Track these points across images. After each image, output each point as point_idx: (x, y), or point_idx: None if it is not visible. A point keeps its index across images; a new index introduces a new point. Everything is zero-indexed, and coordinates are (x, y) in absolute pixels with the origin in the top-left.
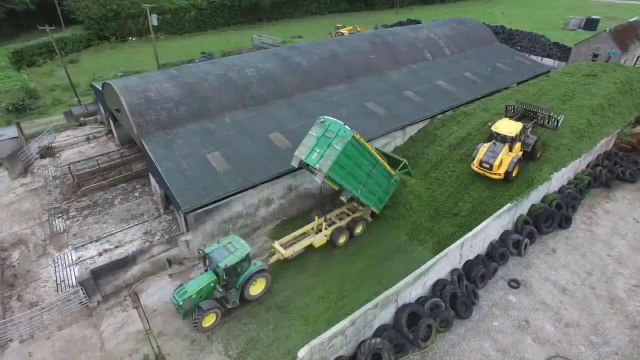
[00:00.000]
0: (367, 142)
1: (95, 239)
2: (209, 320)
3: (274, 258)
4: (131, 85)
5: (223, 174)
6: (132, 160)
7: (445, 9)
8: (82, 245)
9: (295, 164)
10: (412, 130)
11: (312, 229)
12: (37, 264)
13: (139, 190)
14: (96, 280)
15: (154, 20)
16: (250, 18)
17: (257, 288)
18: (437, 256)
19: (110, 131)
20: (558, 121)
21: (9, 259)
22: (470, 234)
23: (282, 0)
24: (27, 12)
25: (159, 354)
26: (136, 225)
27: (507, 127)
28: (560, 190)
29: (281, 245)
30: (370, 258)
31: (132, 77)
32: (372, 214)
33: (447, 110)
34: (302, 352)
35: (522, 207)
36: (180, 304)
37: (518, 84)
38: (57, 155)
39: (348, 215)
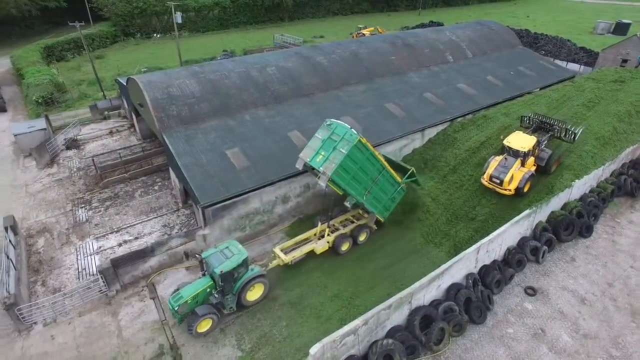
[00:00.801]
0: (385, 143)
1: (115, 229)
2: (204, 326)
3: (274, 263)
4: (154, 80)
5: (241, 170)
6: (153, 154)
7: (469, 11)
8: (103, 236)
9: (299, 166)
10: (431, 133)
11: (315, 234)
12: (61, 251)
13: (159, 183)
14: (115, 270)
15: (178, 17)
16: (273, 17)
17: (254, 294)
18: (453, 259)
19: (133, 125)
20: (575, 134)
21: (35, 245)
22: (486, 238)
23: (304, 0)
24: (59, 9)
25: (174, 345)
26: (155, 218)
27: (520, 141)
28: (582, 198)
29: (282, 251)
30: (385, 259)
31: (155, 73)
32: (377, 222)
33: (467, 114)
34: (314, 349)
35: (542, 213)
36: (176, 308)
37: (541, 88)
38: (82, 147)
39: (352, 222)
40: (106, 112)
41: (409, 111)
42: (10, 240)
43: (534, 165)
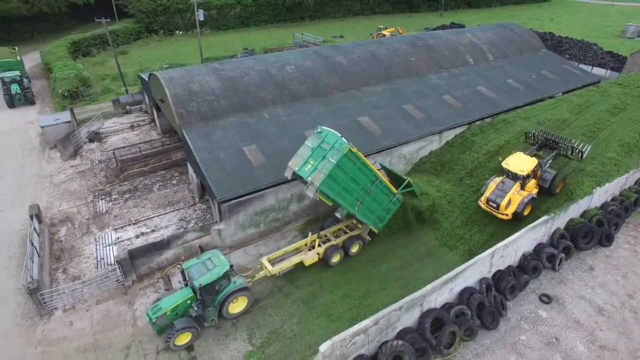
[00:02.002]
0: (402, 144)
1: (133, 221)
2: (183, 339)
3: (261, 274)
4: (176, 76)
5: (258, 167)
6: (172, 149)
7: (491, 13)
8: (122, 227)
9: (288, 175)
10: (449, 135)
11: (306, 244)
12: (81, 241)
13: (177, 178)
14: (132, 261)
15: (200, 15)
16: (294, 16)
17: (237, 306)
18: (467, 263)
19: (154, 120)
20: (583, 153)
21: (57, 234)
22: (502, 243)
23: (325, 0)
24: (87, 5)
25: None
26: (172, 211)
27: (519, 163)
28: (603, 207)
29: (270, 262)
30: (398, 260)
31: (176, 69)
32: (371, 233)
33: (486, 117)
34: (323, 347)
35: (560, 220)
36: (154, 320)
37: (564, 93)
38: (104, 140)
39: (346, 232)
40: (128, 107)
41: (427, 113)
42: (34, 228)
43: (536, 187)
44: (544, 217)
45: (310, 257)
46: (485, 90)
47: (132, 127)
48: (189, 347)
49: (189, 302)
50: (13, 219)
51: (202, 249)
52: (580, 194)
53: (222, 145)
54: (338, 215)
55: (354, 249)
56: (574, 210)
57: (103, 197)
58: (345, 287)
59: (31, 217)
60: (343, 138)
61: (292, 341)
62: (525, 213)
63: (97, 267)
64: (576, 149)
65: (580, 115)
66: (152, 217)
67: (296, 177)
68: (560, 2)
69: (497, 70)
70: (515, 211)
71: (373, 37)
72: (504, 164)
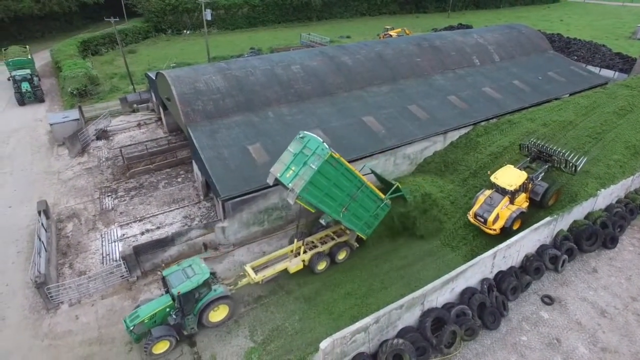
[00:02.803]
0: (406, 144)
1: (139, 218)
2: (160, 348)
3: (244, 282)
4: (182, 75)
5: (262, 165)
6: (178, 147)
7: (500, 14)
8: (127, 224)
9: (270, 181)
10: (453, 136)
11: (292, 251)
12: (87, 236)
13: (182, 176)
14: (137, 257)
15: (208, 15)
16: (301, 16)
17: (218, 315)
18: (468, 263)
19: (160, 118)
20: (577, 167)
21: (64, 230)
22: (504, 244)
23: (332, 0)
24: (96, 4)
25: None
26: (177, 209)
27: (508, 177)
28: (608, 209)
29: (253, 269)
30: (400, 260)
31: (183, 69)
32: (359, 240)
33: (491, 118)
34: (324, 344)
35: (563, 222)
36: (131, 328)
37: (571, 94)
38: (111, 138)
39: (333, 239)
40: (135, 105)
41: (432, 113)
42: (42, 224)
43: (527, 200)
44: (547, 219)
45: (294, 265)
46: (490, 91)
47: (139, 125)
48: (192, 344)
49: (167, 309)
50: (22, 215)
51: (206, 246)
52: (585, 195)
53: (226, 144)
54: (322, 222)
55: (341, 256)
56: (578, 212)
57: (109, 194)
58: (347, 285)
59: (39, 213)
60: (325, 144)
61: (293, 338)
62: (515, 227)
63: (103, 263)
64: (570, 162)
65: (586, 116)
66: (157, 215)
67: (279, 183)
68: (570, 4)
69: (503, 71)
70: (504, 226)
71: (380, 38)
72: (492, 178)
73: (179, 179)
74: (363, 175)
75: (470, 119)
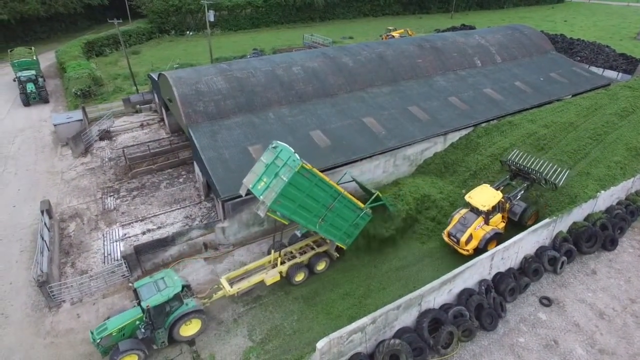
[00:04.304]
0: (406, 145)
1: (140, 218)
2: None
3: (219, 294)
4: (184, 76)
5: None
6: (179, 148)
7: (503, 15)
8: (129, 224)
9: (242, 192)
10: (453, 137)
11: (270, 262)
12: (89, 236)
13: (184, 176)
14: (138, 257)
15: (211, 16)
16: (304, 17)
17: (190, 329)
18: (465, 265)
19: (162, 119)
20: (556, 185)
21: (67, 229)
22: (502, 245)
23: (335, 1)
24: (101, 5)
25: None
26: (178, 209)
27: (482, 198)
28: (608, 210)
29: (229, 280)
30: (399, 260)
31: (185, 70)
32: (339, 249)
33: (492, 119)
34: (320, 344)
35: (562, 223)
36: (98, 341)
37: (573, 96)
38: (114, 138)
39: (312, 248)
40: (138, 106)
41: (432, 114)
42: (45, 223)
43: (503, 221)
44: (546, 220)
45: (271, 276)
46: (491, 92)
47: (141, 126)
48: (191, 342)
49: (137, 322)
50: (25, 214)
51: (206, 246)
52: (584, 197)
53: (227, 145)
54: (298, 233)
55: (320, 267)
56: (578, 214)
57: (112, 194)
58: (345, 285)
59: (42, 212)
60: (296, 154)
61: (291, 338)
62: (490, 248)
63: (104, 262)
64: (549, 181)
65: (587, 118)
66: (158, 215)
67: (252, 194)
68: (575, 4)
69: (505, 73)
70: (477, 247)
71: (382, 39)
72: (467, 198)
73: (181, 180)
74: (344, 183)
75: (471, 120)
